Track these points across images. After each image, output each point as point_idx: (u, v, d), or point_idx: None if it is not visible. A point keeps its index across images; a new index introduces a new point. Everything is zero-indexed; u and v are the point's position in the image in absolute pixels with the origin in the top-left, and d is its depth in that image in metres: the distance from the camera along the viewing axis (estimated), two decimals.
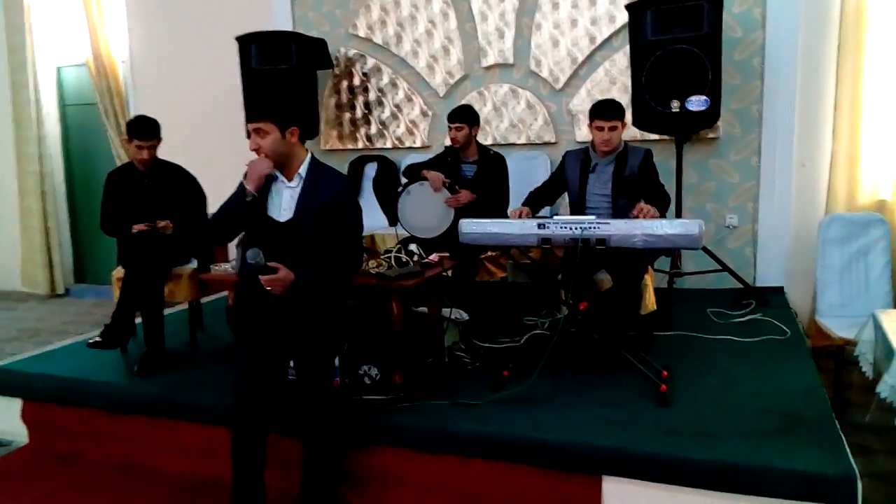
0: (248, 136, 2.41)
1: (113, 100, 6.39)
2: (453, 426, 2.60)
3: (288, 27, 5.51)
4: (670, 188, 4.13)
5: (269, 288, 2.33)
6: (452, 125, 3.98)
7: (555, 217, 2.84)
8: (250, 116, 2.39)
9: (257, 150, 2.39)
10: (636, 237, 2.71)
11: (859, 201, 4.28)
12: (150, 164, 3.68)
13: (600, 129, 3.29)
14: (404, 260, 3.12)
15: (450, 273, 3.53)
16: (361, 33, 5.35)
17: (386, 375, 2.94)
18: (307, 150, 2.50)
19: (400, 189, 3.95)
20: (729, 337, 3.58)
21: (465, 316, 3.47)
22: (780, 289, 4.48)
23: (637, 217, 2.92)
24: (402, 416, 2.73)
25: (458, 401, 2.81)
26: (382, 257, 3.08)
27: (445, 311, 3.30)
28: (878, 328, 2.69)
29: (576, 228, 2.76)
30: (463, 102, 5.02)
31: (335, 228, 2.44)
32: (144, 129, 3.63)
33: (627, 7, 4.15)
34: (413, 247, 3.24)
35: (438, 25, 5.13)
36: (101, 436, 3.22)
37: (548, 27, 4.84)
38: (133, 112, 6.32)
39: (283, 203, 2.45)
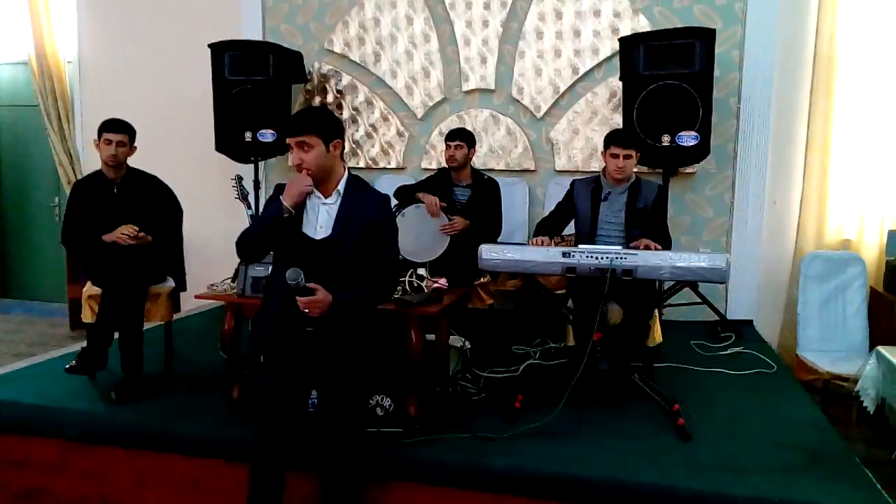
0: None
1: (57, 102, 5.94)
2: (485, 461, 2.49)
3: (258, 37, 5.31)
4: None
5: (306, 310, 2.17)
6: (452, 143, 3.91)
7: (580, 246, 2.80)
8: (293, 130, 2.24)
9: (299, 166, 2.24)
10: (664, 269, 2.70)
11: (827, 239, 4.48)
12: (120, 171, 3.43)
13: (615, 156, 3.29)
14: (416, 285, 3.00)
15: None
16: (337, 49, 5.22)
17: (400, 406, 2.80)
18: (345, 166, 2.37)
19: (394, 211, 3.82)
20: (720, 370, 3.63)
21: (469, 344, 3.37)
22: (750, 322, 4.60)
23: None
24: (424, 450, 2.59)
25: (480, 433, 2.69)
26: None
27: (453, 339, 3.19)
28: (888, 363, 2.77)
29: (604, 258, 2.72)
30: (442, 125, 5.00)
31: (373, 249, 2.31)
32: (115, 123, 3.43)
33: (620, 41, 4.21)
34: (422, 271, 3.12)
35: (419, 47, 5.06)
36: (72, 470, 2.90)
37: (531, 55, 4.86)
38: (79, 116, 5.94)
39: (320, 220, 2.30)
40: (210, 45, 4.77)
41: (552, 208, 3.63)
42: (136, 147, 3.45)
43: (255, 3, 5.38)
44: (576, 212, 3.44)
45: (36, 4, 5.91)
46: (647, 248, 2.97)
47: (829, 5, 4.33)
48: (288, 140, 2.27)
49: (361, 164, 5.25)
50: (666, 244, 3.30)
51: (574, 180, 3.55)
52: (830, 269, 3.93)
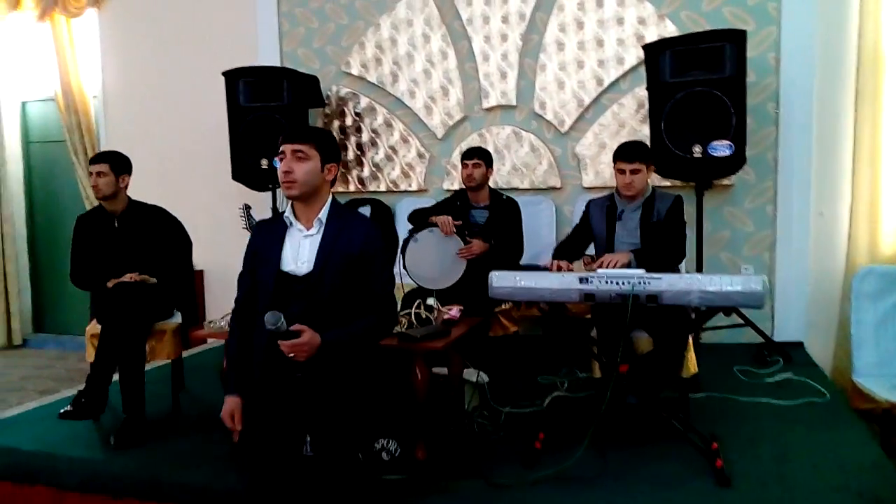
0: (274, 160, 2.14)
1: (83, 137, 5.98)
2: None
3: (275, 63, 5.23)
4: (689, 237, 3.93)
5: (291, 355, 1.99)
6: (469, 161, 3.74)
7: (599, 270, 2.56)
8: (293, 137, 2.11)
9: (287, 173, 2.08)
10: (692, 294, 2.43)
11: (882, 252, 4.11)
12: (116, 203, 3.37)
13: (622, 171, 3.08)
14: (424, 317, 2.79)
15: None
16: (355, 71, 5.10)
17: (407, 450, 2.58)
18: (331, 195, 2.20)
19: (407, 235, 3.64)
20: (767, 400, 3.31)
21: (486, 378, 3.14)
22: (801, 344, 4.25)
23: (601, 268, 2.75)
24: (430, 501, 2.37)
25: (495, 480, 2.46)
26: (401, 314, 2.75)
27: (468, 373, 2.97)
28: None
29: (625, 283, 2.47)
30: (463, 145, 4.81)
31: (364, 281, 2.12)
32: (97, 154, 3.41)
33: (644, 48, 3.97)
34: (432, 301, 2.92)
35: (437, 65, 4.90)
36: None
37: (553, 68, 4.65)
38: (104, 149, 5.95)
39: (301, 254, 2.12)
40: (224, 73, 4.71)
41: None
42: (126, 177, 3.38)
43: (271, 28, 5.31)
44: (592, 234, 3.20)
45: (61, 40, 5.98)
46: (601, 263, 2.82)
47: None
48: (283, 146, 2.12)
49: (382, 188, 5.10)
50: (676, 256, 3.08)
51: (590, 200, 3.34)
52: (886, 284, 3.57)
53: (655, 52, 3.88)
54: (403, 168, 5.05)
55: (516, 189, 4.75)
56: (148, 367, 3.82)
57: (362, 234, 2.15)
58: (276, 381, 2.10)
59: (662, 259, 2.95)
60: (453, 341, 2.67)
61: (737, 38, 3.69)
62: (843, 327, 4.16)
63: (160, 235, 3.41)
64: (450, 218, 3.61)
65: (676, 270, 3.14)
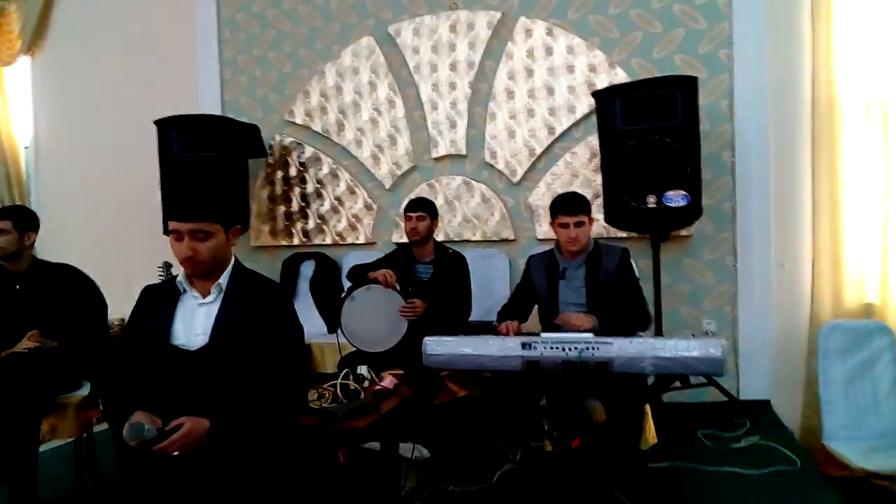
0: (170, 236, 1.83)
1: (12, 189, 5.64)
2: None
3: (217, 112, 4.99)
4: (647, 291, 3.73)
5: (176, 453, 1.67)
6: (413, 214, 3.50)
7: (543, 335, 2.30)
8: (188, 215, 1.81)
9: (190, 258, 1.78)
10: (645, 361, 2.19)
11: (846, 305, 3.93)
12: (19, 262, 3.06)
13: (565, 226, 2.87)
14: (352, 388, 2.49)
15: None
16: (299, 120, 4.88)
17: None
18: (234, 256, 1.93)
19: (344, 294, 3.37)
20: (733, 469, 3.05)
21: (426, 453, 2.83)
22: (767, 402, 4.02)
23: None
24: None
25: None
26: (325, 386, 2.45)
27: (404, 449, 2.66)
28: None
29: (572, 349, 2.22)
30: (412, 196, 4.58)
31: (268, 354, 1.83)
32: None
33: (594, 94, 3.82)
34: (363, 369, 2.63)
35: (384, 114, 4.71)
36: None
37: (503, 117, 4.48)
38: (36, 203, 5.61)
39: (196, 325, 1.83)
40: (156, 122, 4.45)
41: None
42: (32, 234, 3.08)
43: (212, 77, 5.10)
44: (535, 294, 2.97)
45: None
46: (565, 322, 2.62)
47: (823, 44, 3.91)
48: (175, 225, 1.83)
49: (328, 241, 4.84)
50: (642, 320, 2.85)
51: (530, 257, 3.13)
52: (853, 341, 3.39)
53: (605, 100, 3.73)
54: (350, 220, 4.80)
55: (468, 241, 4.53)
56: (55, 442, 3.46)
57: (268, 299, 1.88)
58: (164, 477, 1.78)
59: (627, 325, 2.71)
60: (382, 417, 2.36)
61: (687, 85, 3.56)
62: (810, 385, 3.95)
63: (67, 297, 3.07)
64: (390, 271, 3.35)
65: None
